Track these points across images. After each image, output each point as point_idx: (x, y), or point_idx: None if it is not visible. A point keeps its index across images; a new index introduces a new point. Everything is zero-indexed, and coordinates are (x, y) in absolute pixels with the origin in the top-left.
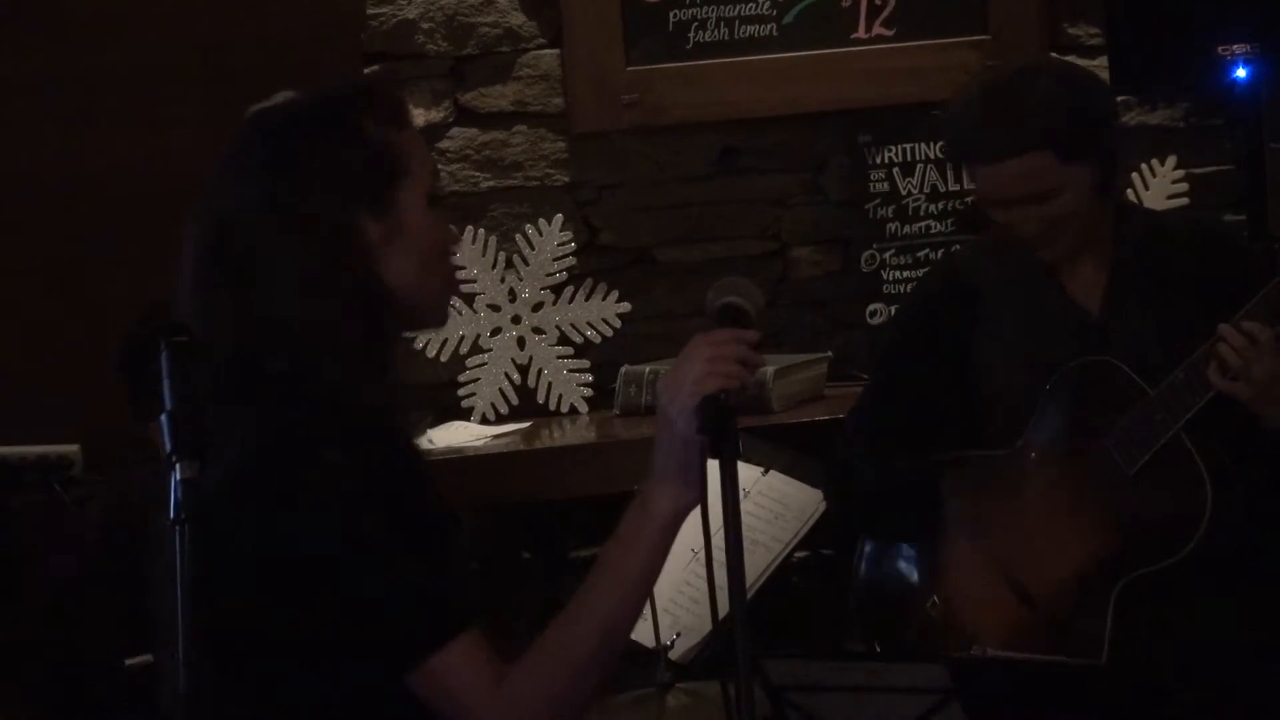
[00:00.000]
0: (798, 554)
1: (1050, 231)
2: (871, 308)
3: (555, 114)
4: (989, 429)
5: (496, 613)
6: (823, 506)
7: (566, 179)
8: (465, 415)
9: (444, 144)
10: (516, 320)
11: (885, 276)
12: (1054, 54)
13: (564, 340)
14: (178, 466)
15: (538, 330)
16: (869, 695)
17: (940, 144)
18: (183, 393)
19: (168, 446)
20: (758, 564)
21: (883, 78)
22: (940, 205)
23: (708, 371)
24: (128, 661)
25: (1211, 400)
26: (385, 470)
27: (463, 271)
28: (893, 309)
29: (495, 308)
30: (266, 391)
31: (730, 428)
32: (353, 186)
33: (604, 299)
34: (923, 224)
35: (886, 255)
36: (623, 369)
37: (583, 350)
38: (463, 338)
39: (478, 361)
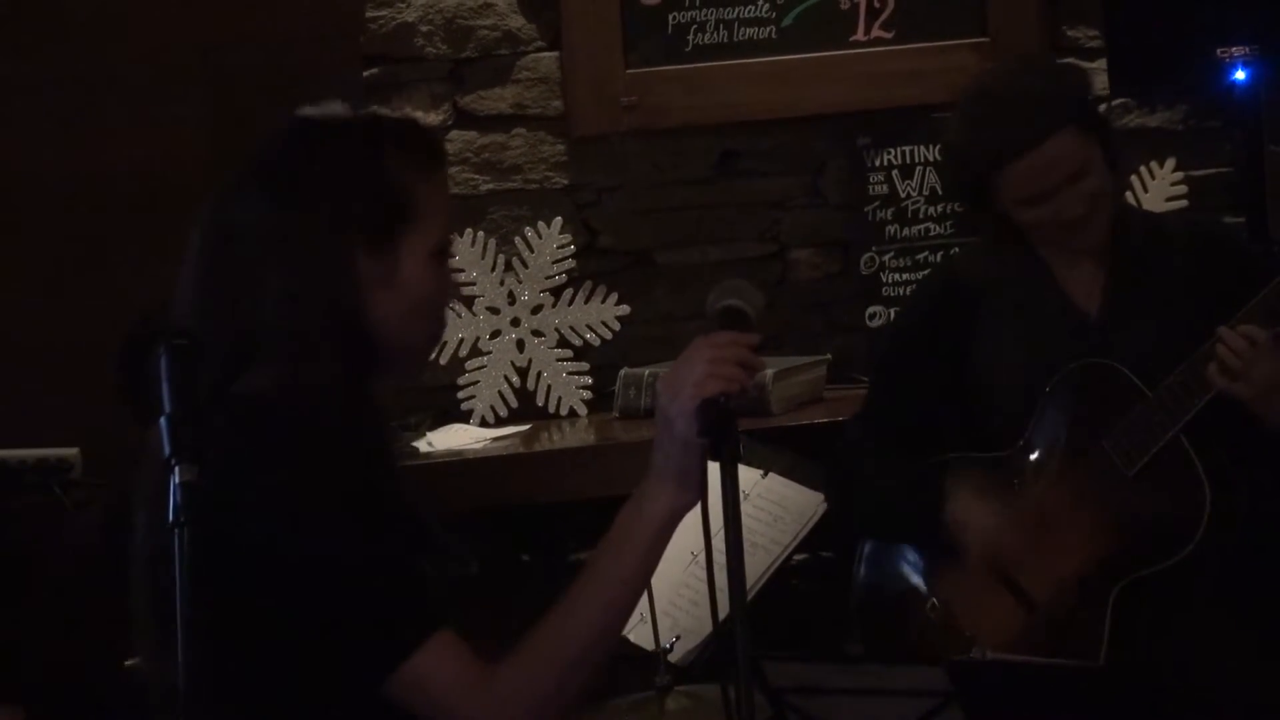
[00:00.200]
0: (797, 556)
1: (1090, 211)
2: (871, 310)
3: (554, 117)
4: (988, 431)
5: (493, 616)
6: (822, 509)
7: (566, 182)
8: (465, 418)
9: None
10: (516, 323)
11: (884, 279)
12: (1053, 57)
13: (563, 343)
14: (177, 469)
15: (537, 333)
16: (868, 698)
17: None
18: (182, 395)
19: (166, 450)
20: (757, 566)
21: (882, 80)
22: (939, 208)
23: (708, 374)
24: (127, 662)
25: (1211, 401)
26: (352, 480)
27: (462, 274)
28: (892, 311)
29: (494, 310)
30: (242, 401)
31: (730, 430)
32: (356, 222)
33: (603, 301)
34: (922, 226)
35: (886, 258)
36: (622, 371)
37: (582, 353)
38: (462, 340)
39: (477, 364)
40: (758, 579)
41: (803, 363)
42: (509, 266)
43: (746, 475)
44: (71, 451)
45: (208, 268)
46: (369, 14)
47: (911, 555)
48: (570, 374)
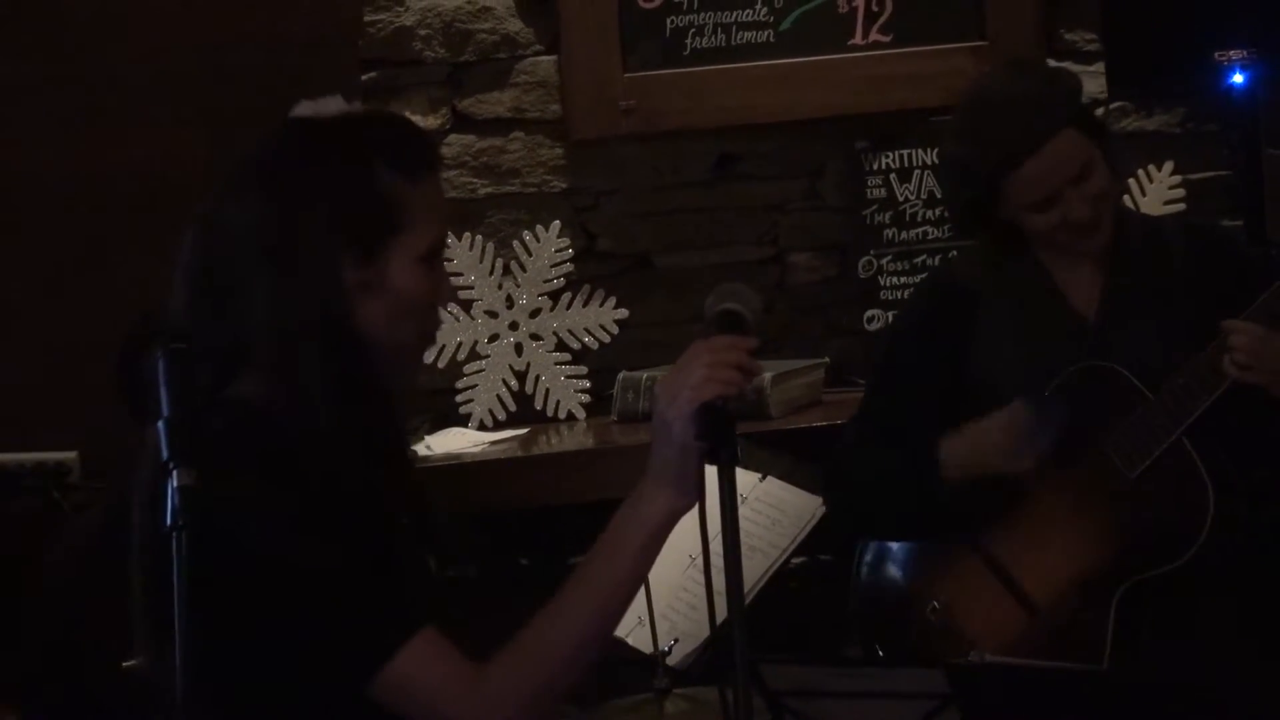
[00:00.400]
0: (795, 559)
1: (1096, 212)
2: (869, 313)
3: (553, 120)
4: None
5: (490, 619)
6: (820, 512)
7: (564, 185)
8: (463, 421)
9: (441, 150)
10: (514, 326)
11: (882, 282)
12: (1051, 60)
13: (562, 346)
14: (174, 473)
15: (535, 336)
16: (867, 701)
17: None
18: (179, 399)
19: (164, 453)
20: (755, 569)
21: (880, 84)
22: (937, 211)
23: (706, 378)
24: (126, 664)
25: (1213, 404)
26: (333, 485)
27: (460, 278)
28: (890, 315)
29: (493, 314)
30: (229, 404)
31: (728, 434)
32: (344, 231)
33: (601, 305)
34: (920, 230)
35: (884, 261)
36: (620, 375)
37: (580, 356)
38: (460, 344)
39: (475, 368)
40: (756, 582)
41: (801, 366)
42: (507, 270)
43: (744, 478)
44: (70, 455)
45: (200, 270)
46: (367, 17)
47: (911, 558)
48: (568, 378)
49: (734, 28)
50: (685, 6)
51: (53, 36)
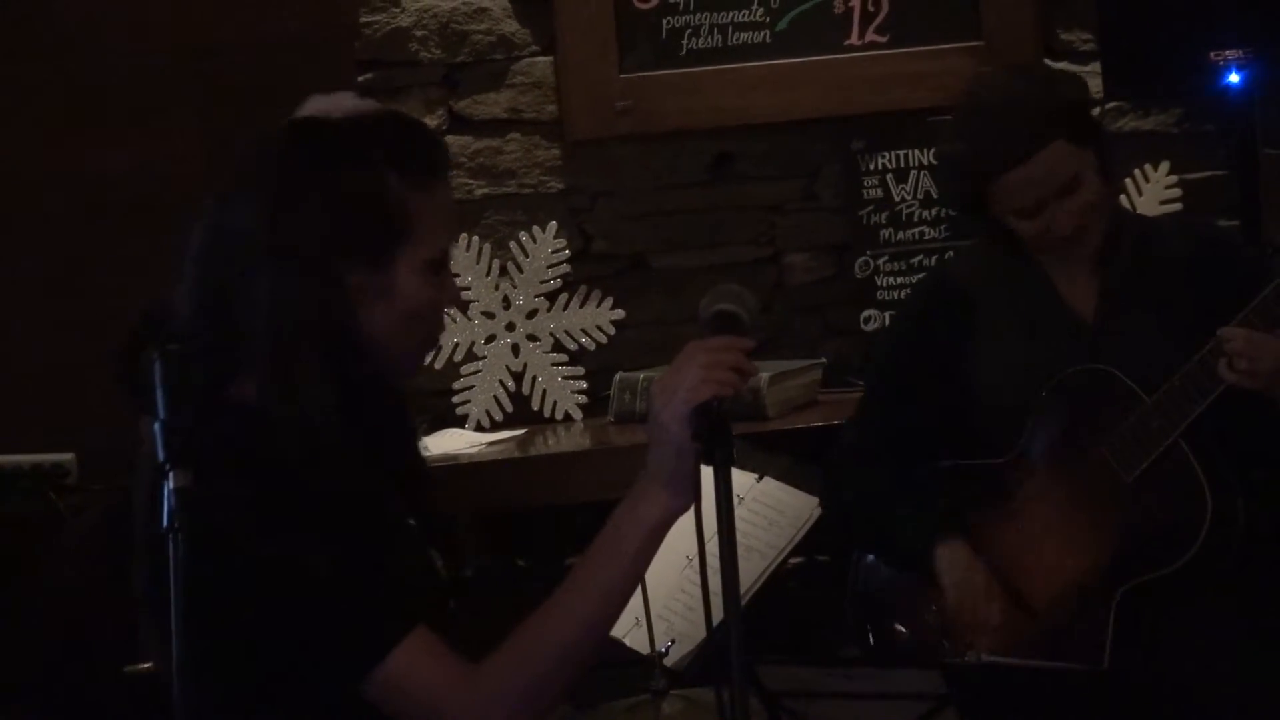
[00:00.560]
0: (792, 560)
1: (1084, 223)
2: (865, 314)
3: (549, 121)
4: (984, 436)
5: (488, 620)
6: (817, 513)
7: (560, 186)
8: (460, 422)
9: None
10: (511, 327)
11: (879, 283)
12: (1047, 60)
13: (558, 347)
14: (171, 475)
15: (532, 337)
16: (864, 701)
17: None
18: (176, 401)
19: (160, 455)
20: (752, 570)
21: (876, 84)
22: (934, 211)
23: (702, 378)
24: (126, 668)
25: (1211, 406)
26: (326, 487)
27: (457, 279)
28: (887, 315)
29: (489, 315)
30: (228, 406)
31: (724, 434)
32: (351, 238)
33: (598, 306)
34: (916, 230)
35: (880, 261)
36: (617, 376)
37: (577, 357)
38: (457, 345)
39: (472, 369)
40: (753, 583)
41: (797, 366)
42: (504, 271)
43: (741, 479)
44: (67, 457)
45: (204, 270)
46: (363, 19)
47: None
48: (565, 378)
49: (730, 28)
50: (681, 7)
51: (47, 40)
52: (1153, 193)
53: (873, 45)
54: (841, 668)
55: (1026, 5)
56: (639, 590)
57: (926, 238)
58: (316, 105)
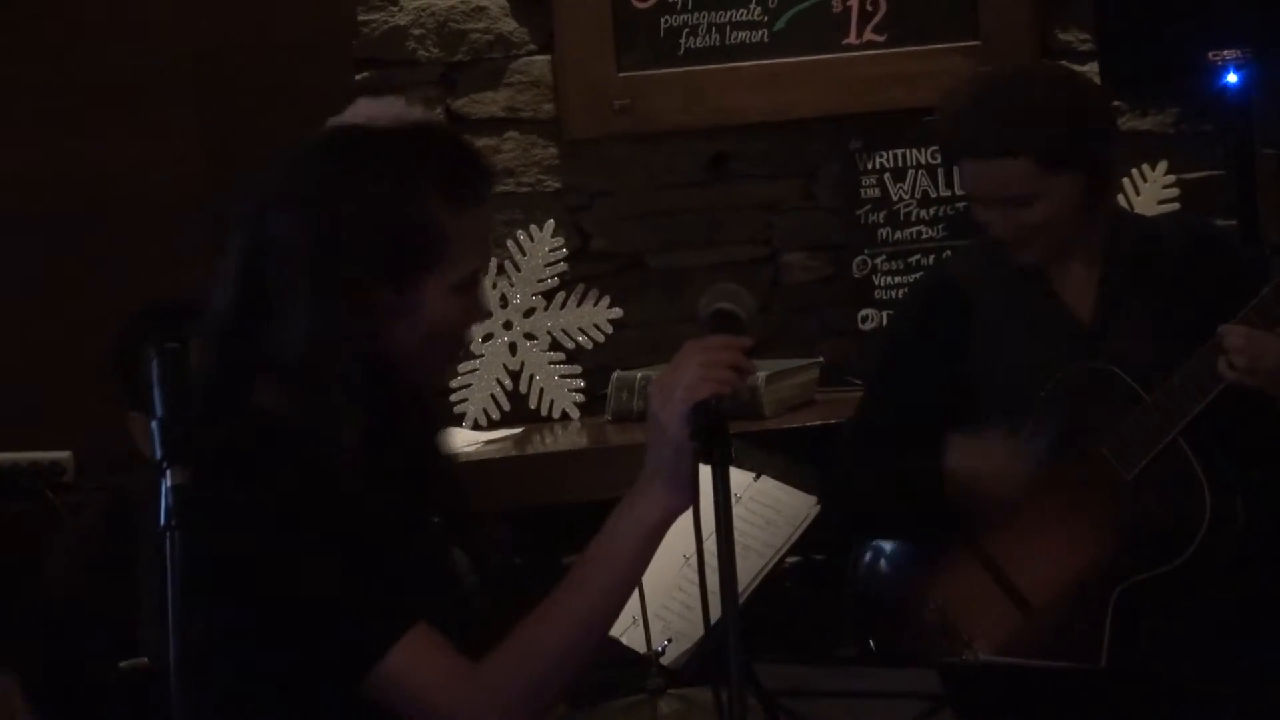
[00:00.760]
0: (790, 559)
1: (1023, 236)
2: (863, 313)
3: (547, 120)
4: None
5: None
6: (815, 512)
7: (558, 185)
8: (457, 421)
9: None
10: (508, 326)
11: (876, 282)
12: (1045, 60)
13: (556, 346)
14: (168, 473)
15: (530, 336)
16: (862, 700)
17: (932, 148)
18: (174, 400)
19: (158, 453)
20: (750, 569)
21: (874, 84)
22: (931, 211)
23: (700, 377)
24: (122, 665)
25: (1210, 405)
26: (334, 492)
27: None
28: (884, 315)
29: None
30: (249, 410)
31: (722, 433)
32: (380, 256)
33: (595, 305)
34: (914, 230)
35: (878, 261)
36: (615, 375)
37: (575, 356)
38: None
39: (469, 368)
40: (750, 582)
41: (795, 366)
42: (501, 270)
43: (739, 478)
44: (64, 455)
45: (239, 275)
46: (361, 18)
47: (907, 558)
48: (563, 377)
49: (728, 27)
50: (679, 6)
51: (46, 40)
52: (1150, 192)
53: (871, 45)
54: (839, 667)
55: (1024, 5)
56: (636, 589)
57: (924, 237)
58: (363, 110)
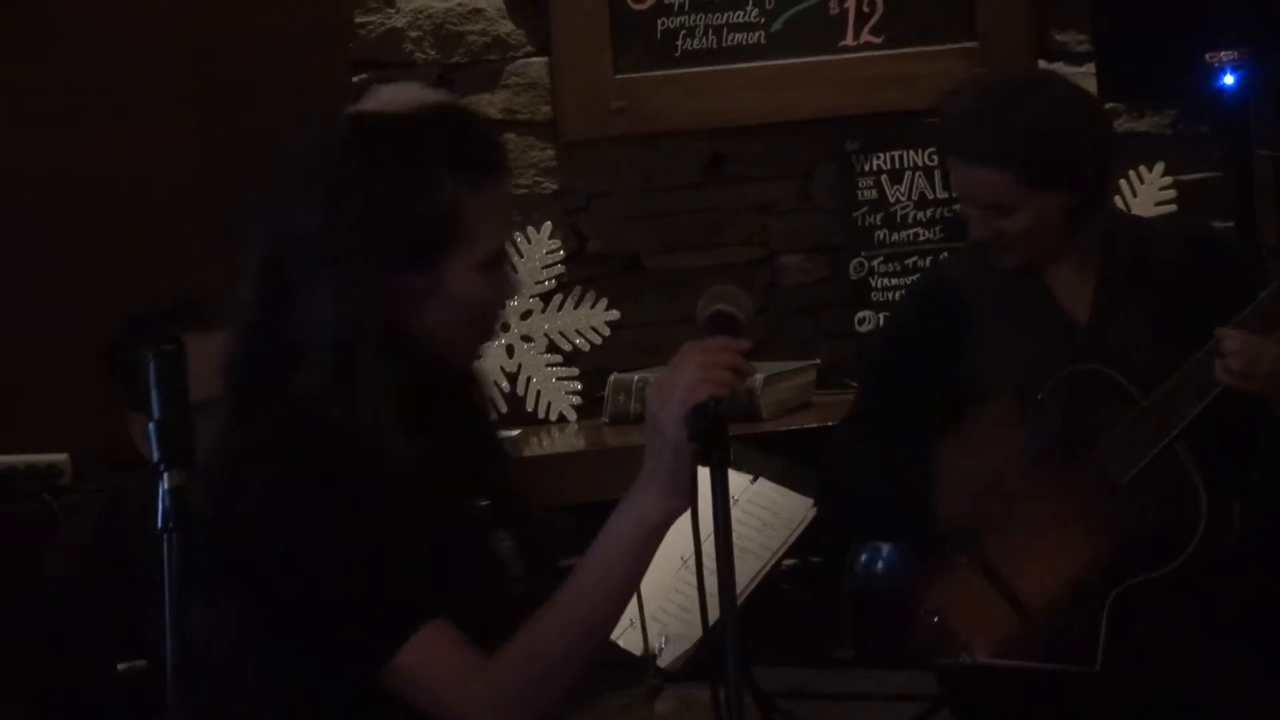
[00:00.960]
0: (786, 561)
1: (1002, 242)
2: (860, 315)
3: (543, 122)
4: None
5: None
6: (812, 514)
7: (555, 187)
8: None
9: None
10: (505, 328)
11: (873, 284)
12: (1042, 62)
13: (553, 348)
14: (165, 475)
15: (526, 338)
16: (858, 702)
17: (930, 149)
18: (171, 401)
19: (155, 455)
20: (747, 571)
21: (871, 85)
22: (928, 213)
23: (699, 379)
24: (120, 666)
25: (1206, 409)
26: (359, 483)
27: None
28: (881, 316)
29: None
30: (281, 398)
31: (721, 435)
32: (401, 239)
33: (593, 307)
34: (911, 231)
35: (875, 263)
36: (612, 377)
37: (572, 358)
38: None
39: None
40: (747, 584)
41: (792, 368)
42: None
43: (736, 480)
44: (61, 457)
45: (263, 265)
46: (358, 19)
47: (903, 561)
48: (560, 379)
49: (725, 29)
50: (676, 8)
51: (42, 41)
52: (1147, 194)
53: (868, 46)
54: (836, 669)
55: (1021, 6)
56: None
57: (921, 239)
58: (379, 98)
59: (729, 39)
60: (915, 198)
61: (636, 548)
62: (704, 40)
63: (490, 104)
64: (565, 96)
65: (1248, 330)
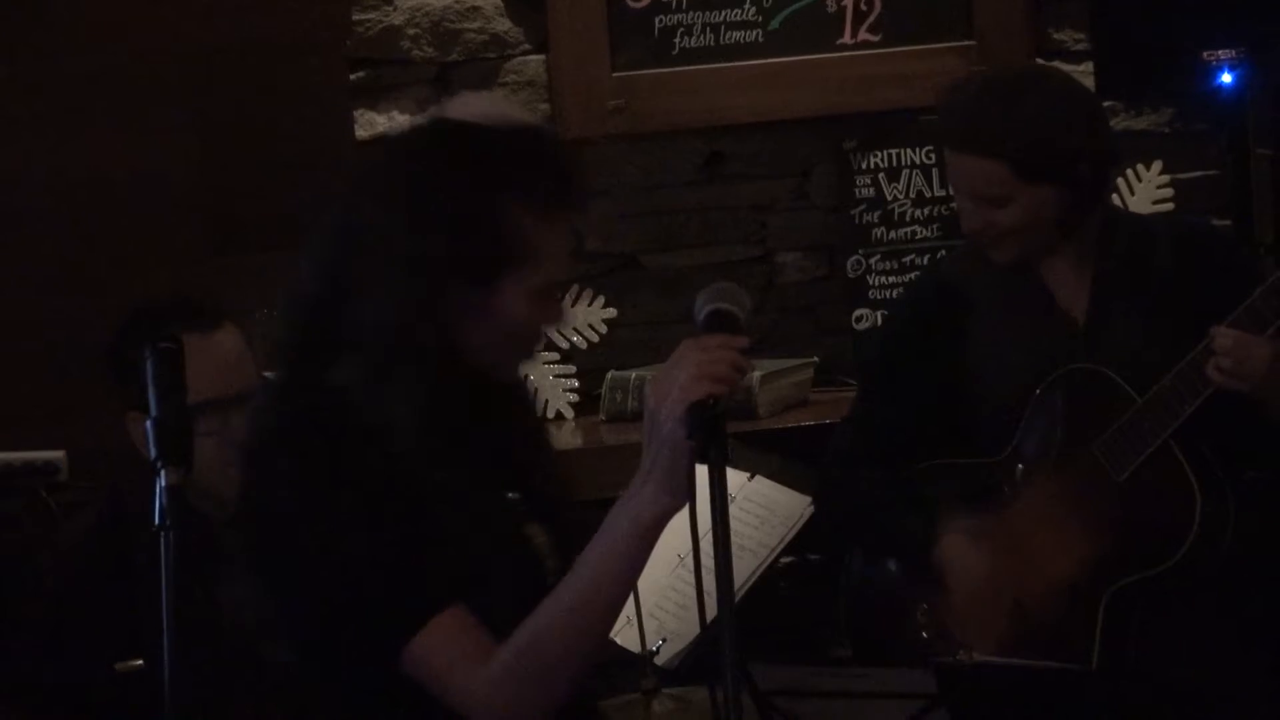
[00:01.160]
0: (784, 559)
1: (994, 235)
2: (857, 313)
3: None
4: (977, 435)
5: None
6: (809, 512)
7: None
8: None
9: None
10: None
11: (871, 282)
12: (1039, 60)
13: (550, 346)
14: (162, 473)
15: None
16: (856, 701)
17: (927, 147)
18: (169, 399)
19: (152, 453)
20: (744, 569)
21: (868, 83)
22: (926, 211)
23: (697, 377)
24: (117, 666)
25: (1202, 406)
26: (392, 476)
27: None
28: (878, 314)
29: None
30: (319, 388)
31: (719, 433)
32: (461, 255)
33: (590, 305)
34: (908, 229)
35: (872, 261)
36: (609, 375)
37: (569, 356)
38: None
39: None
40: (745, 582)
41: (789, 365)
42: None
43: (733, 478)
44: (58, 454)
45: (326, 256)
46: (355, 17)
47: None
48: (557, 377)
49: (722, 27)
50: (674, 6)
51: (43, 40)
52: (1145, 192)
53: (865, 44)
54: (833, 667)
55: (1019, 5)
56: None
57: (919, 237)
58: (463, 107)
59: (726, 37)
60: (913, 196)
61: (634, 545)
62: (701, 38)
63: None
64: (563, 94)
65: (1241, 329)
